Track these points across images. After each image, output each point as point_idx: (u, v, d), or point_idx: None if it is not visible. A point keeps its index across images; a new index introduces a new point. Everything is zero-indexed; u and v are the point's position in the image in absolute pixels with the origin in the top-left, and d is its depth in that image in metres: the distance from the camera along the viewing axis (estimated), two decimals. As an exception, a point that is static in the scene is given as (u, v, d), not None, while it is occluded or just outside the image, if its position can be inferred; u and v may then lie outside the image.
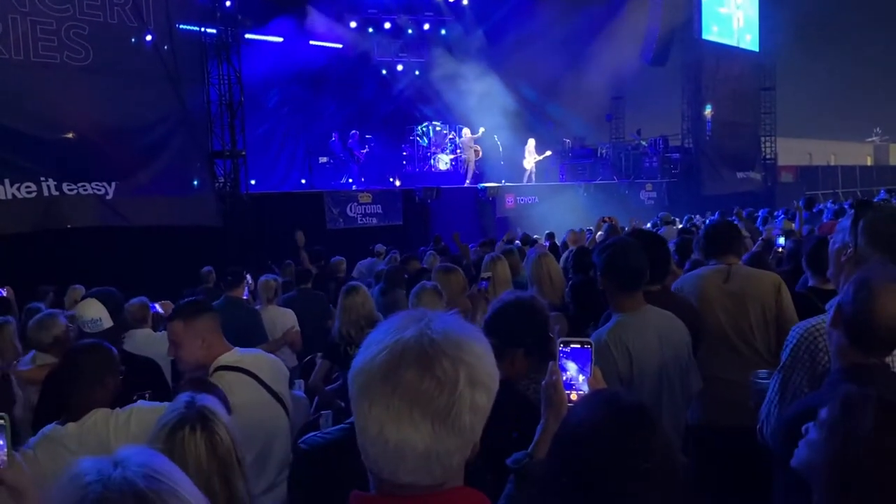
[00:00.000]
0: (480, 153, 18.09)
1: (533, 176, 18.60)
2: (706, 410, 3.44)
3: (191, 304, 2.92)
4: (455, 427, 1.08)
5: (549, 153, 18.70)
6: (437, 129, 19.52)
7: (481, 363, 1.13)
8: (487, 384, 1.13)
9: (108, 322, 3.57)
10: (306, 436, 2.01)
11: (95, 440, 2.39)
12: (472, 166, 17.87)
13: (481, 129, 18.02)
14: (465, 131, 17.95)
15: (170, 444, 1.76)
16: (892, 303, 1.89)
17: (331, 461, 1.88)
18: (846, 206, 13.99)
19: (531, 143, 18.62)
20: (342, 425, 1.98)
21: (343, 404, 4.18)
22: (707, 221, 10.91)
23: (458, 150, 19.00)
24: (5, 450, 1.81)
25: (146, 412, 2.46)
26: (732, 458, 3.21)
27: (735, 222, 9.81)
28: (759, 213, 12.76)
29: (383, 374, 1.08)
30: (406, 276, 6.41)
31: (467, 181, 17.64)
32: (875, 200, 9.17)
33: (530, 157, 18.52)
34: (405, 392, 1.07)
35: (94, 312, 3.55)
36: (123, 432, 2.40)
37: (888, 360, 2.11)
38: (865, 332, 1.94)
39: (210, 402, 1.88)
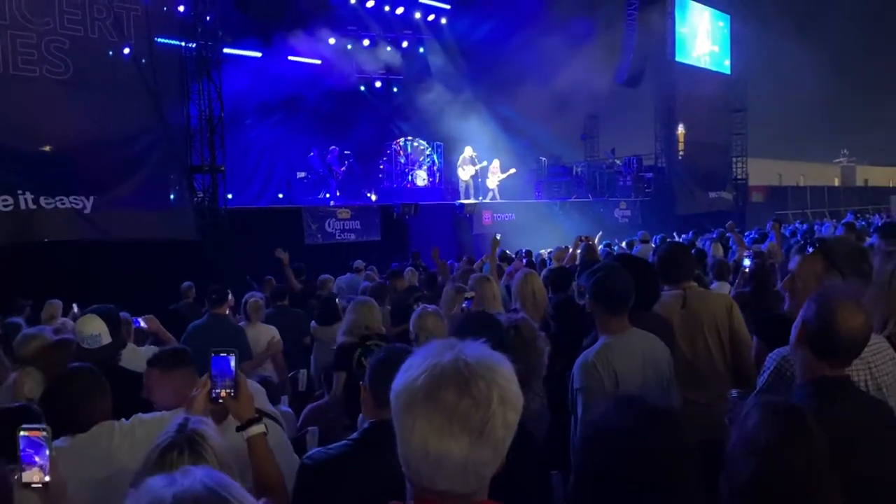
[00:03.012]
0: (476, 171, 18.26)
1: (496, 194, 18.66)
2: None
3: (170, 354, 2.96)
4: (489, 440, 1.21)
5: (512, 171, 18.74)
6: (416, 145, 19.64)
7: (510, 385, 1.26)
8: (516, 404, 1.26)
9: (107, 338, 3.60)
10: (310, 452, 2.07)
11: (97, 449, 2.45)
12: (469, 184, 18.06)
13: (511, 170, 18.45)
14: (467, 150, 18.17)
15: (159, 467, 1.83)
16: (851, 318, 2.09)
17: (335, 477, 1.94)
18: (816, 227, 14.34)
19: (496, 162, 18.73)
20: (346, 441, 2.04)
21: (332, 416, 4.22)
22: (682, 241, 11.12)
23: (436, 167, 19.21)
24: (49, 460, 1.90)
25: (148, 421, 2.56)
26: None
27: (714, 238, 10.02)
28: (713, 234, 12.89)
29: (426, 394, 1.21)
30: (395, 291, 6.48)
31: (468, 199, 17.84)
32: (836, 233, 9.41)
33: (493, 177, 18.65)
34: (445, 409, 1.19)
35: (94, 328, 3.57)
36: (129, 438, 2.49)
37: (849, 370, 2.27)
38: (828, 344, 2.12)
39: (203, 425, 1.95)
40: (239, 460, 2.18)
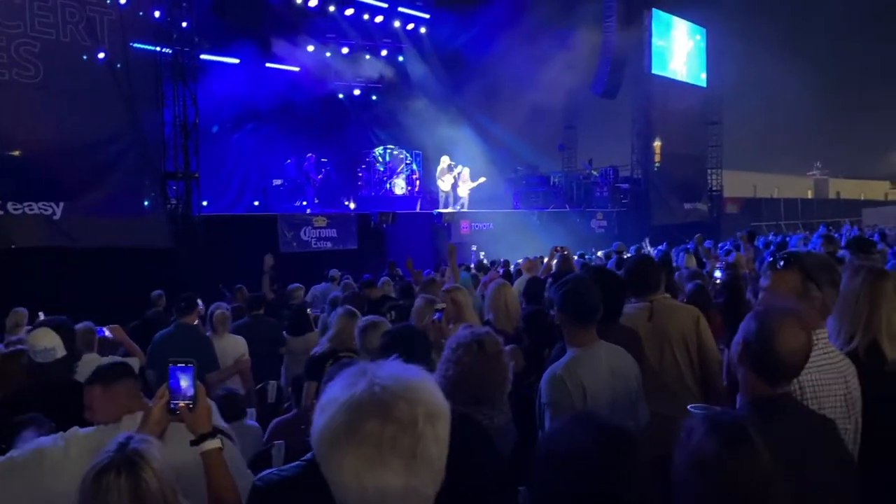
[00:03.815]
0: (454, 178, 18.19)
1: (466, 203, 18.51)
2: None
3: (110, 368, 2.81)
4: (424, 460, 1.16)
5: (482, 179, 18.63)
6: (394, 153, 19.62)
7: (434, 398, 1.21)
8: (443, 414, 1.22)
9: (61, 351, 3.48)
10: (262, 473, 2.00)
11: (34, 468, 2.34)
12: (451, 195, 18.01)
13: (481, 179, 18.28)
14: (444, 159, 18.07)
15: (94, 488, 1.77)
16: (790, 335, 2.08)
17: (288, 500, 1.88)
18: (788, 239, 14.48)
19: (466, 171, 18.63)
20: (299, 462, 1.97)
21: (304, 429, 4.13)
22: (655, 252, 11.17)
23: (414, 175, 19.18)
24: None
25: (82, 438, 2.43)
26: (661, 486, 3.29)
27: (687, 249, 10.07)
28: (688, 245, 12.99)
29: (347, 430, 1.15)
30: (368, 301, 6.41)
31: (447, 208, 17.78)
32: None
33: (464, 185, 18.56)
34: (371, 441, 1.13)
35: (48, 342, 3.46)
36: (66, 462, 2.34)
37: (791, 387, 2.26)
38: (769, 364, 2.10)
39: (144, 444, 1.88)
40: (187, 476, 2.11)
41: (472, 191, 18.74)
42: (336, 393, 1.20)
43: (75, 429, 2.50)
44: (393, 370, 1.22)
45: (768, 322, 2.10)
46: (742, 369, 2.18)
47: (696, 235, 9.45)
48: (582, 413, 1.72)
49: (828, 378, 2.44)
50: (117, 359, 4.71)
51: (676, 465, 1.64)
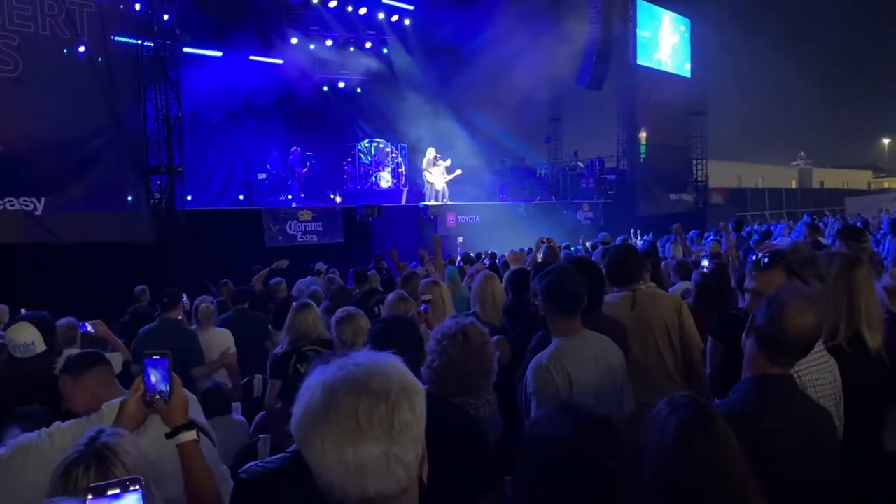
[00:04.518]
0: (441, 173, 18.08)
1: (446, 194, 18.36)
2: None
3: (79, 358, 2.81)
4: (402, 429, 1.19)
5: (458, 172, 18.41)
6: (380, 146, 19.55)
7: (406, 375, 1.26)
8: (418, 389, 1.26)
9: (40, 346, 3.44)
10: (246, 465, 1.98)
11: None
12: (436, 187, 17.91)
13: (458, 171, 18.16)
14: (430, 151, 17.95)
15: (63, 482, 1.74)
16: (799, 317, 2.11)
17: (272, 491, 1.87)
18: (773, 228, 14.58)
19: (444, 163, 18.41)
20: (283, 454, 1.96)
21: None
22: (641, 243, 11.20)
23: (400, 168, 19.12)
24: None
25: (66, 430, 2.41)
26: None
27: (673, 240, 10.10)
28: (689, 235, 13.09)
29: (325, 407, 1.18)
30: (361, 294, 6.38)
31: (431, 200, 17.67)
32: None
33: (441, 178, 18.30)
34: (349, 414, 1.17)
35: (27, 337, 3.41)
36: (47, 450, 2.32)
37: (793, 371, 2.29)
38: (775, 341, 2.13)
39: (115, 438, 1.86)
40: (161, 469, 2.08)
41: (459, 183, 18.68)
42: (311, 380, 1.23)
43: (57, 423, 2.47)
44: (363, 354, 1.27)
45: (779, 300, 2.14)
46: (748, 343, 2.22)
47: (675, 225, 9.46)
48: (563, 403, 1.73)
49: (826, 377, 2.48)
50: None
51: (646, 446, 1.66)
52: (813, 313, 2.14)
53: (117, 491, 1.49)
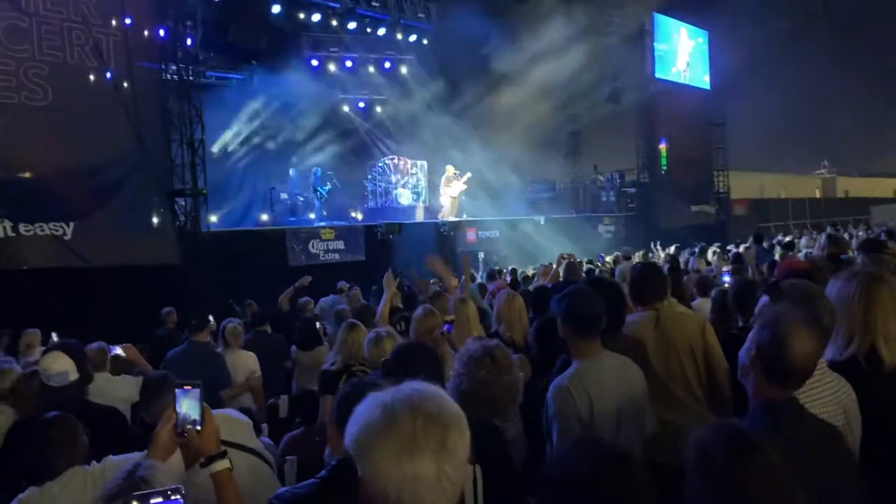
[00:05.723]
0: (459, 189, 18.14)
1: (457, 208, 18.30)
2: (644, 448, 3.54)
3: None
4: (452, 450, 1.32)
5: (464, 188, 18.36)
6: (399, 164, 19.70)
7: (453, 402, 1.41)
8: (463, 417, 1.39)
9: (73, 375, 3.52)
10: (279, 491, 2.04)
11: (67, 497, 2.39)
12: (453, 204, 17.93)
13: (468, 175, 18.20)
14: (449, 168, 18.01)
15: None
16: (802, 340, 2.12)
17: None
18: (797, 240, 14.44)
19: (450, 168, 18.40)
20: (313, 480, 2.02)
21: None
22: (664, 256, 11.17)
23: (420, 185, 19.23)
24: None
25: (118, 462, 2.49)
26: (664, 493, 3.30)
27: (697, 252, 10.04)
28: (695, 248, 12.94)
29: (384, 424, 1.31)
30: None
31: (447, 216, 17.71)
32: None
33: (459, 192, 18.33)
34: (406, 431, 1.30)
35: (61, 366, 3.49)
36: (100, 483, 2.41)
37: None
38: (781, 368, 2.14)
39: (152, 471, 1.90)
40: (205, 496, 2.14)
41: (478, 199, 18.75)
42: (367, 404, 1.37)
43: (110, 457, 2.59)
44: (412, 384, 1.40)
45: (782, 327, 2.14)
46: (753, 373, 2.21)
47: (701, 245, 9.44)
48: (583, 437, 1.77)
49: (830, 410, 2.43)
50: (129, 378, 4.79)
51: (688, 477, 1.67)
52: (815, 336, 2.16)
53: (160, 500, 1.62)
